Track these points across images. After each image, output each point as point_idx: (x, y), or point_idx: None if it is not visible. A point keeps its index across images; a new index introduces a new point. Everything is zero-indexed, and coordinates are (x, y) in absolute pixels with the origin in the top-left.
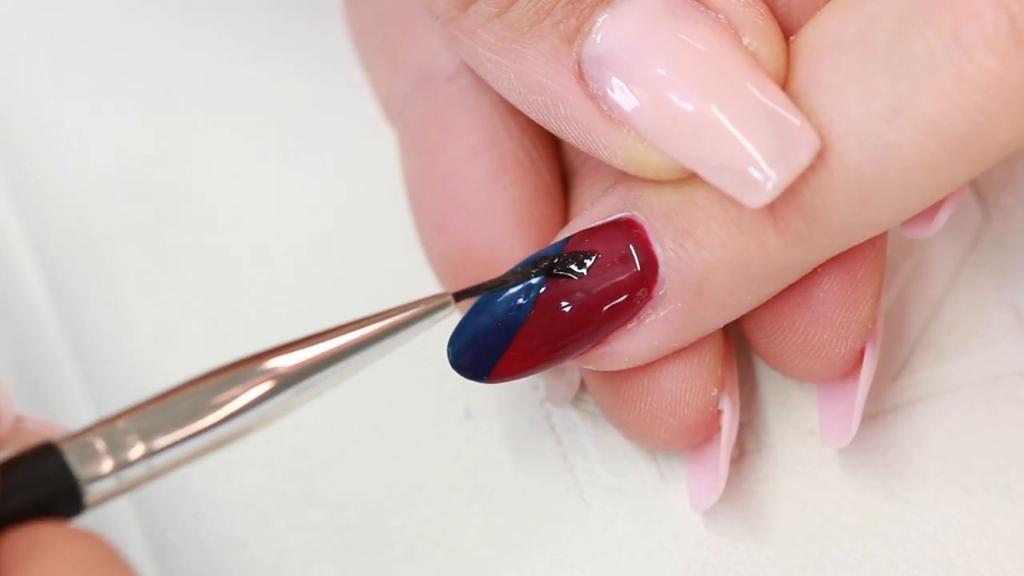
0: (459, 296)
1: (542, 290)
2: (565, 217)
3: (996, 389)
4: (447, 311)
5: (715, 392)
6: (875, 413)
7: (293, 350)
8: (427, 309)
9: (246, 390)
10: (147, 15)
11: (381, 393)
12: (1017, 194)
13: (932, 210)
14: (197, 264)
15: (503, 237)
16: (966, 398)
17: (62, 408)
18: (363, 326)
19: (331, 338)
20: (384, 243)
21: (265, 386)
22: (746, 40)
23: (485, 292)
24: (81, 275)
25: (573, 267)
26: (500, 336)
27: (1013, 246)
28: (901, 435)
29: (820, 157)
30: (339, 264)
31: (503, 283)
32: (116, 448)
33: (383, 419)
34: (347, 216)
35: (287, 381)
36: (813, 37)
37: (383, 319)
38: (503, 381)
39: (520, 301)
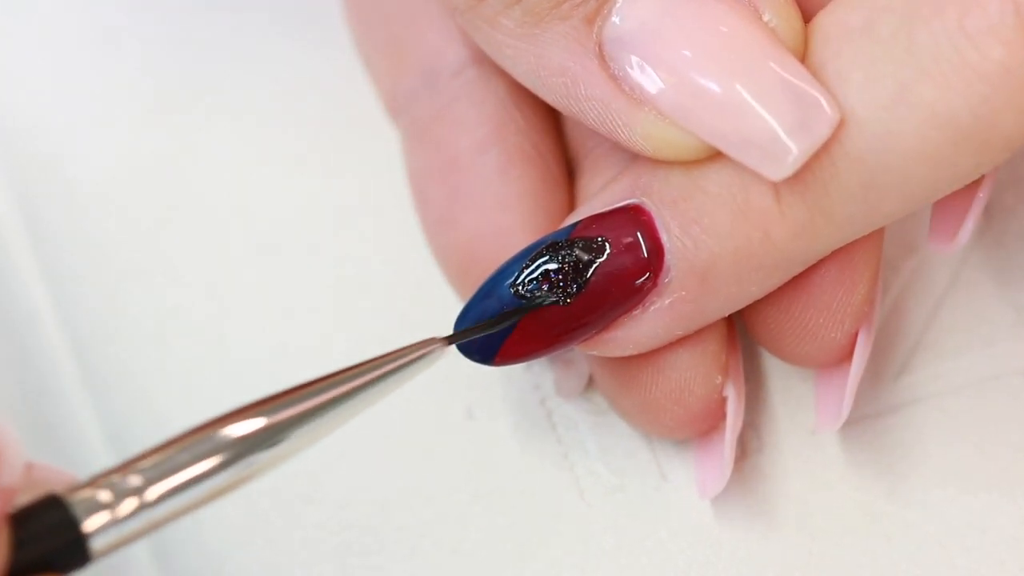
0: (451, 340)
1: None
2: (572, 209)
3: (997, 388)
4: (437, 356)
5: (719, 379)
6: (876, 413)
7: (290, 398)
8: (419, 355)
9: (248, 437)
10: (148, 15)
11: None
12: (1018, 193)
13: (955, 224)
14: (197, 264)
15: (512, 229)
16: (967, 397)
17: (61, 410)
18: (356, 374)
19: (327, 386)
20: (386, 241)
21: (266, 434)
22: (766, 17)
23: (476, 335)
24: (81, 275)
25: (581, 252)
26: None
27: (1014, 246)
28: (902, 435)
29: (824, 145)
30: (341, 263)
31: (492, 325)
32: (121, 498)
33: (384, 419)
34: (348, 215)
35: (283, 429)
36: (823, 24)
37: (375, 368)
38: (508, 364)
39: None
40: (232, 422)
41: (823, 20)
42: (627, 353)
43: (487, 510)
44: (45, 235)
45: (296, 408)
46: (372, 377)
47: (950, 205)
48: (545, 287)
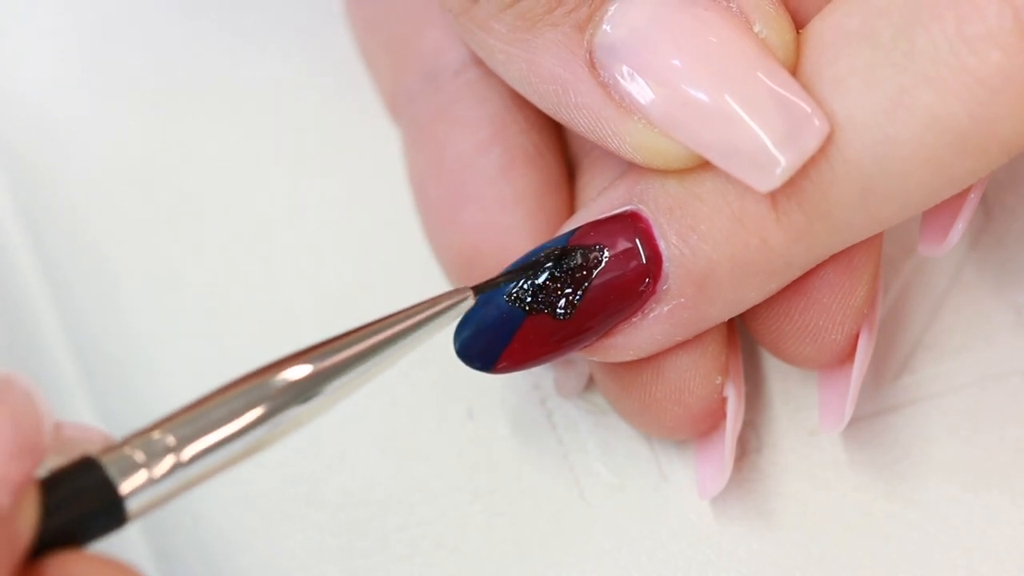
0: (478, 289)
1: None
2: (573, 209)
3: (997, 388)
4: (466, 305)
5: (719, 380)
6: (876, 412)
7: (325, 350)
8: (449, 304)
9: (289, 387)
10: (148, 14)
11: (383, 394)
12: (1019, 193)
13: (945, 227)
14: (197, 263)
15: (513, 229)
16: (967, 397)
17: (62, 408)
18: (388, 324)
19: (358, 337)
20: (386, 241)
21: (298, 387)
22: (757, 28)
23: (504, 283)
24: (81, 275)
25: (580, 260)
26: (505, 327)
27: (1014, 245)
28: (902, 434)
29: (821, 150)
30: (340, 262)
31: (520, 273)
32: (154, 458)
33: (385, 420)
34: (348, 214)
35: (319, 381)
36: (819, 29)
37: (406, 317)
38: (508, 371)
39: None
40: (273, 373)
41: (819, 25)
42: (627, 359)
43: (487, 510)
44: (45, 235)
45: (338, 356)
46: (406, 326)
47: (941, 207)
48: (543, 295)
